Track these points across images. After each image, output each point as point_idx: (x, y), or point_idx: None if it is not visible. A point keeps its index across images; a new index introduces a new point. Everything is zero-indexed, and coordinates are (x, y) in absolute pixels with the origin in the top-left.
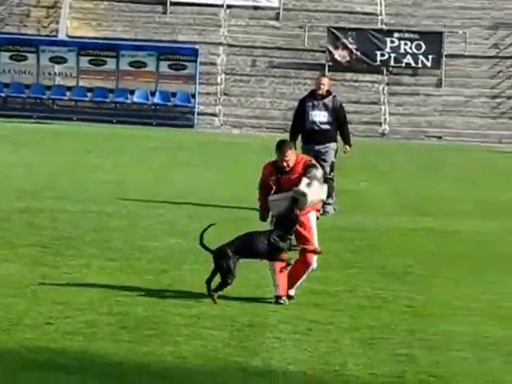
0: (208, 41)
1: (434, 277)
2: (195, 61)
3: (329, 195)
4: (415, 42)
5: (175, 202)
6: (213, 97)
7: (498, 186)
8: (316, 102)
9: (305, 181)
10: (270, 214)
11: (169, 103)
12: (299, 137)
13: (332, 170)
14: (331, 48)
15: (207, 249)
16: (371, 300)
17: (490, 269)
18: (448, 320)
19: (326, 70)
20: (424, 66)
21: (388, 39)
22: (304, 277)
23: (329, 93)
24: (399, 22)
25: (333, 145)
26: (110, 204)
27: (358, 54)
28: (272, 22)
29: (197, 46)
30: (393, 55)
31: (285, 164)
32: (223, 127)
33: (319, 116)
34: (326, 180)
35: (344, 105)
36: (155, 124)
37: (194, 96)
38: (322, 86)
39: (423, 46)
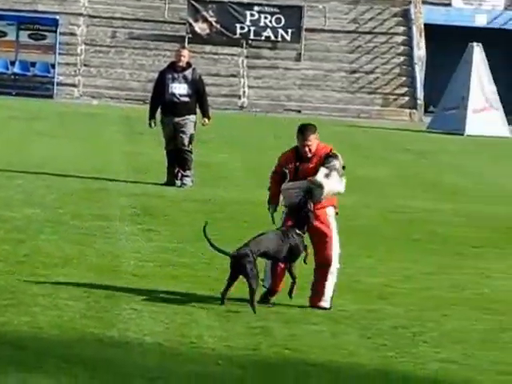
0: (68, 11)
1: None
2: (55, 31)
3: (188, 168)
4: (275, 16)
5: (33, 172)
6: (72, 67)
7: (355, 160)
8: (176, 75)
9: (323, 171)
10: (283, 203)
11: (28, 73)
12: (159, 109)
13: (191, 142)
14: (191, 20)
15: (222, 251)
16: (228, 273)
17: (347, 243)
18: (304, 294)
19: (186, 42)
20: (283, 39)
21: (248, 12)
22: (332, 281)
23: (189, 65)
24: None
25: (192, 117)
26: None
27: (218, 26)
28: None
29: (57, 17)
30: (252, 28)
31: (306, 149)
32: (82, 98)
33: (179, 88)
34: (185, 152)
35: (203, 77)
36: (14, 94)
37: (53, 66)
38: (182, 58)
39: (283, 20)
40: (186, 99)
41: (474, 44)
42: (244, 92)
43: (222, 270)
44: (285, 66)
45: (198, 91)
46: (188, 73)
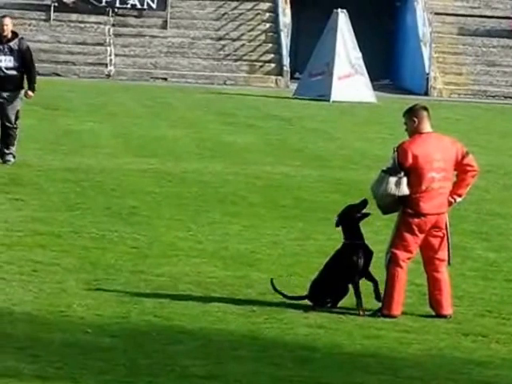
0: None
1: (159, 218)
2: None
3: (11, 144)
4: None
5: None
6: None
7: (221, 127)
8: (1, 46)
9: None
10: None
11: None
12: None
13: (17, 118)
14: None
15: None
16: (96, 241)
17: (215, 210)
18: (172, 261)
19: (52, 11)
20: (149, 7)
21: None
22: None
23: (14, 35)
24: None
25: (19, 92)
26: None
27: None
28: None
29: None
30: None
31: None
32: None
33: (4, 61)
34: (11, 129)
35: (69, 46)
36: None
37: None
38: (5, 28)
39: None
40: (13, 72)
41: (339, 10)
42: (111, 60)
43: (91, 238)
44: (151, 34)
45: (25, 62)
46: (14, 43)
